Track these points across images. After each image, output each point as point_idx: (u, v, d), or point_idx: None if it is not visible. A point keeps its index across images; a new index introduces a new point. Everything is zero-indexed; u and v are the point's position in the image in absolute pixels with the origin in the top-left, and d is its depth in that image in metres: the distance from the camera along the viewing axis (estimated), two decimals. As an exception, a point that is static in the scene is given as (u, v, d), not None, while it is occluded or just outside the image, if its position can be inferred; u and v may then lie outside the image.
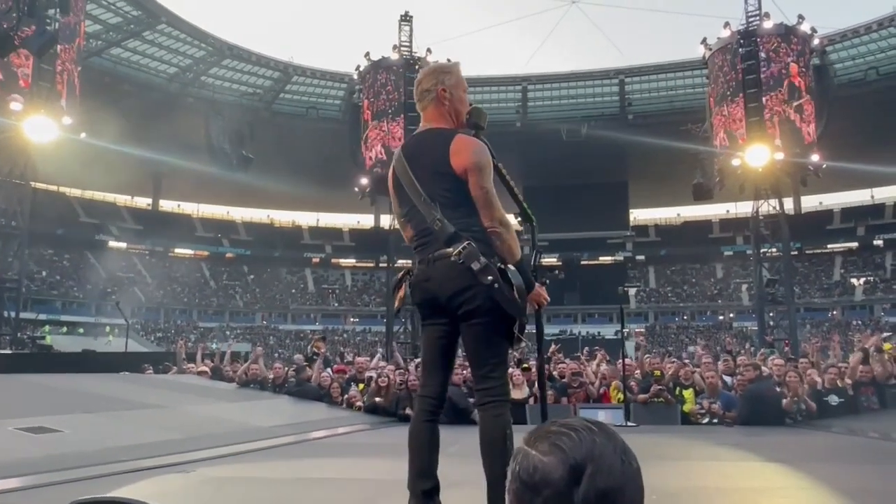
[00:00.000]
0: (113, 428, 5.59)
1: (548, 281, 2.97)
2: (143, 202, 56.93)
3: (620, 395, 8.64)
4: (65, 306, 46.58)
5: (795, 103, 28.23)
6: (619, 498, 0.87)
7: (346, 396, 9.07)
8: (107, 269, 48.09)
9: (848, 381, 7.81)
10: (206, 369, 11.25)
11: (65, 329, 43.38)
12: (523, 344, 2.98)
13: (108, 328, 43.13)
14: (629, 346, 39.11)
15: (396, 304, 3.04)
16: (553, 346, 12.81)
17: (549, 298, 2.97)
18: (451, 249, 2.72)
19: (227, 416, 7.33)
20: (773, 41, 28.72)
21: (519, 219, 3.22)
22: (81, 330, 44.29)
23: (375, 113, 31.09)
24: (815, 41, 29.95)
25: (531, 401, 8.51)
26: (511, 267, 2.75)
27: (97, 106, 29.38)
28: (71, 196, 51.79)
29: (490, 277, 2.68)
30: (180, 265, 55.65)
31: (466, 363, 10.88)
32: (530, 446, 0.92)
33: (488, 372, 2.78)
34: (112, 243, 52.25)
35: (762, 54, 28.56)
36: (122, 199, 56.03)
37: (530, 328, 2.92)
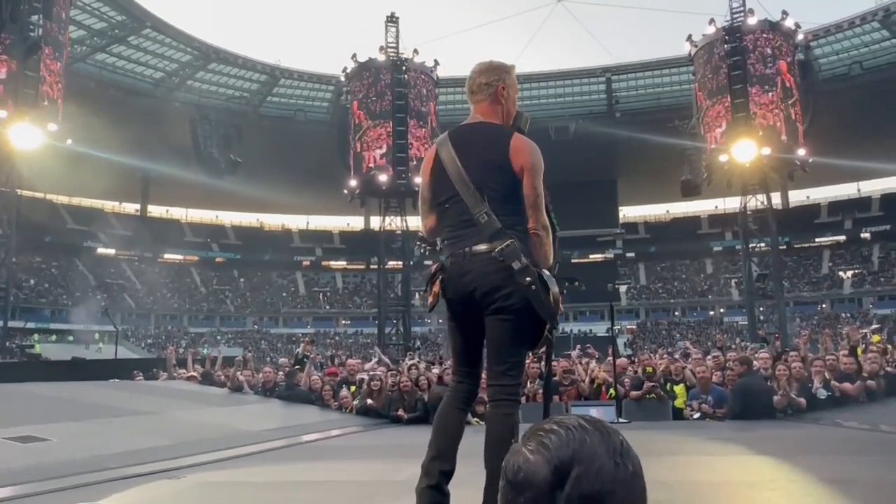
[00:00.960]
0: (102, 435, 5.55)
1: (565, 291, 2.95)
2: (131, 208, 56.67)
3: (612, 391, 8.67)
4: (54, 314, 46.28)
5: (791, 101, 28.50)
6: (608, 503, 0.81)
7: (337, 400, 9.05)
8: (96, 275, 47.83)
9: (836, 383, 7.85)
10: (196, 374, 11.21)
11: (53, 337, 43.09)
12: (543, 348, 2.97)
13: (97, 335, 42.86)
14: (620, 342, 39.28)
15: (431, 299, 2.94)
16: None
17: (562, 309, 2.92)
18: (492, 245, 2.70)
19: (218, 420, 7.30)
20: (777, 38, 28.91)
21: None
22: (71, 338, 44.01)
23: (377, 113, 30.95)
24: (800, 37, 30.17)
25: (523, 399, 8.52)
26: (546, 272, 2.75)
27: (83, 112, 29.19)
28: (58, 203, 51.43)
29: (528, 279, 2.67)
30: (170, 271, 55.40)
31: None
32: (523, 443, 0.88)
33: (507, 370, 2.77)
34: (101, 250, 51.95)
35: (768, 51, 28.75)
36: (110, 206, 55.74)
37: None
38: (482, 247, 2.73)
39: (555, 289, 2.72)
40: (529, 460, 0.84)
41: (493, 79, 2.97)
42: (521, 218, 2.79)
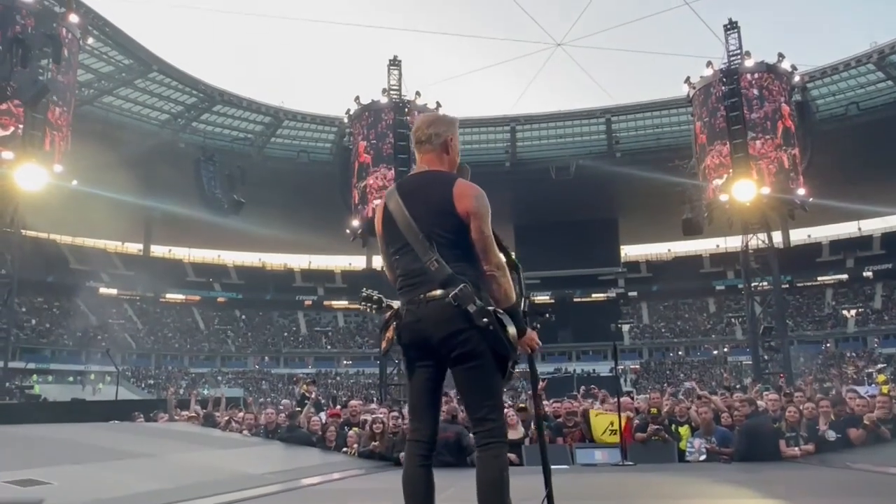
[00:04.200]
0: (103, 479, 5.49)
1: (538, 325, 2.99)
2: (134, 248, 56.86)
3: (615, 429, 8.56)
4: (54, 354, 46.04)
5: (792, 150, 28.44)
6: None
7: (344, 442, 8.96)
8: (97, 315, 47.75)
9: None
10: (197, 416, 11.14)
11: (50, 378, 42.75)
12: (513, 381, 3.01)
13: (92, 376, 42.61)
14: (623, 382, 38.84)
15: (384, 345, 3.01)
16: (541, 382, 12.71)
17: (540, 343, 2.97)
18: (445, 291, 2.73)
19: (219, 463, 7.22)
20: (767, 78, 29.14)
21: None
22: (71, 378, 43.73)
23: (380, 154, 30.98)
24: (796, 78, 30.54)
25: (527, 441, 8.44)
26: (501, 311, 2.77)
27: (89, 153, 29.48)
28: (62, 243, 51.67)
29: (485, 320, 2.71)
30: (171, 310, 55.33)
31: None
32: None
33: (486, 414, 2.77)
34: (103, 290, 51.97)
35: (755, 91, 28.94)
36: (113, 246, 55.94)
37: (523, 368, 2.95)
38: (435, 293, 2.76)
39: (511, 328, 2.76)
40: None
41: (442, 129, 3.04)
42: (471, 262, 2.83)
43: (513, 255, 3.03)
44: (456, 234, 2.82)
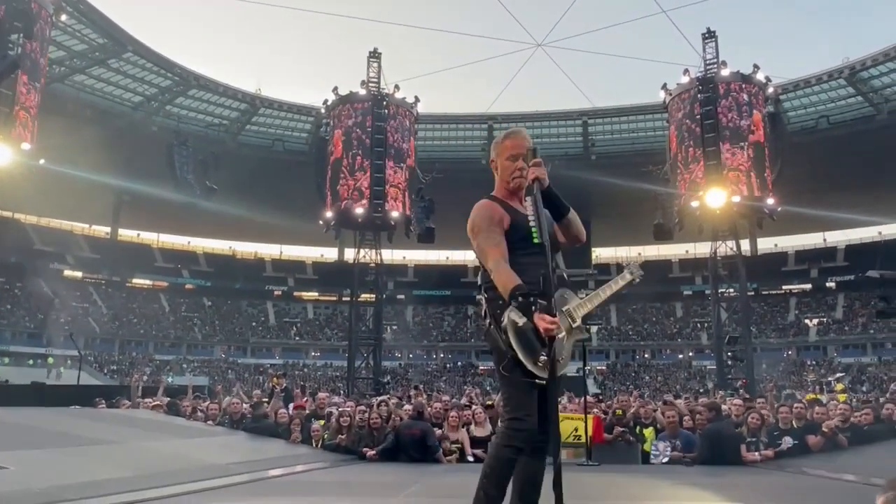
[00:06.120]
0: (62, 465, 5.39)
1: (536, 308, 2.75)
2: (101, 231, 55.84)
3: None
4: (14, 336, 45.02)
5: (761, 161, 28.84)
6: None
7: (309, 434, 8.90)
8: (61, 298, 46.79)
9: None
10: (161, 404, 10.99)
11: (7, 360, 41.81)
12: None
13: (50, 360, 41.72)
14: (589, 383, 39.20)
15: None
16: None
17: (551, 326, 2.72)
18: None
19: (182, 452, 7.13)
20: (743, 88, 29.56)
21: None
22: (31, 361, 42.81)
23: (357, 146, 30.76)
24: (770, 90, 31.08)
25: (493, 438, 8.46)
26: (511, 307, 2.81)
27: (58, 132, 28.85)
28: (26, 223, 50.52)
29: (487, 321, 2.96)
30: (138, 296, 54.45)
31: (442, 399, 10.77)
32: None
33: (503, 405, 3.11)
34: (67, 272, 50.94)
35: (730, 99, 29.34)
36: (80, 228, 54.86)
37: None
38: None
39: (508, 321, 2.78)
40: None
41: (493, 155, 3.56)
42: None
43: (534, 232, 3.07)
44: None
